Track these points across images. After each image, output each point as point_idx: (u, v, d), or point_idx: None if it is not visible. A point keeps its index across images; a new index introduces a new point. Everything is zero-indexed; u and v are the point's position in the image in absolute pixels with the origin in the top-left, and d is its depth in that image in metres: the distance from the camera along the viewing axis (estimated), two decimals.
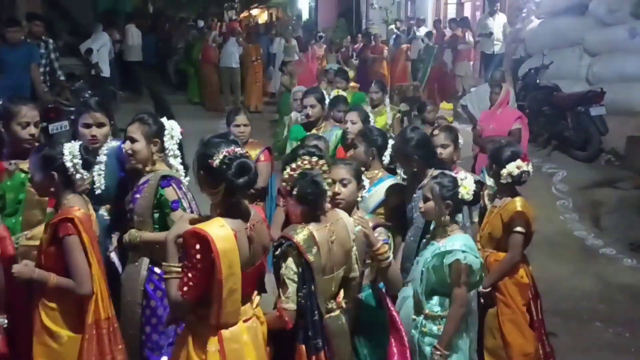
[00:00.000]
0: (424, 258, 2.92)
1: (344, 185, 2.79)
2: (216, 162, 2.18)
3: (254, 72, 12.90)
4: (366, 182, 3.05)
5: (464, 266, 2.78)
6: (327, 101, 4.89)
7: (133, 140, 2.92)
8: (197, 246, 2.11)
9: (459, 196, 2.89)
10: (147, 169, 2.95)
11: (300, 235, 2.38)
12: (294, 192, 2.42)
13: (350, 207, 2.78)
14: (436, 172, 3.18)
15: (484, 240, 3.43)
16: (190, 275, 2.12)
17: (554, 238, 6.06)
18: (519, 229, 3.35)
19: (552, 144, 8.28)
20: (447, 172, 3.10)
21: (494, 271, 3.35)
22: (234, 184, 2.18)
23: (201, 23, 18.36)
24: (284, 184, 2.47)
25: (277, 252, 2.41)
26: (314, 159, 2.47)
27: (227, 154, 2.19)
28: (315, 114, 4.72)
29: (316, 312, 2.38)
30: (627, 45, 8.79)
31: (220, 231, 2.15)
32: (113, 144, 3.16)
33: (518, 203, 3.36)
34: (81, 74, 9.46)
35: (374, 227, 2.72)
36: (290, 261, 2.36)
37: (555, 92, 8.46)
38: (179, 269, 2.15)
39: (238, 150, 2.23)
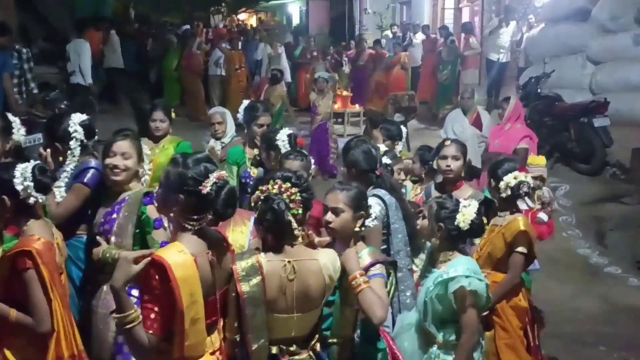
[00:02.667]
0: (425, 287, 2.89)
1: (336, 214, 2.70)
2: (207, 188, 2.16)
3: (238, 81, 12.74)
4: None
5: (469, 292, 2.76)
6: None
7: (126, 157, 2.94)
8: (157, 276, 2.05)
9: (455, 222, 2.87)
10: (125, 187, 2.97)
11: (243, 262, 2.32)
12: (254, 216, 2.40)
13: (345, 237, 2.71)
14: (375, 190, 3.22)
15: (482, 260, 3.45)
16: (155, 309, 2.05)
17: (556, 256, 6.06)
18: (521, 249, 3.38)
19: (554, 156, 8.34)
20: (477, 198, 3.11)
21: (492, 293, 3.36)
22: (222, 212, 2.19)
23: (186, 27, 18.35)
24: (252, 204, 2.42)
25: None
26: (285, 185, 2.38)
27: (217, 180, 2.18)
28: (164, 129, 4.44)
29: (247, 349, 2.31)
30: (632, 53, 8.90)
31: (179, 257, 2.09)
32: (73, 165, 3.23)
33: (521, 222, 3.40)
34: (57, 82, 9.45)
35: (372, 264, 2.63)
36: (231, 286, 2.32)
37: (557, 102, 8.54)
38: (137, 314, 2.06)
39: (224, 174, 2.24)
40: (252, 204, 2.42)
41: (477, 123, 6.69)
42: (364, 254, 2.67)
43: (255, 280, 2.31)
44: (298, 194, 2.38)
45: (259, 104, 4.47)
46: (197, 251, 2.16)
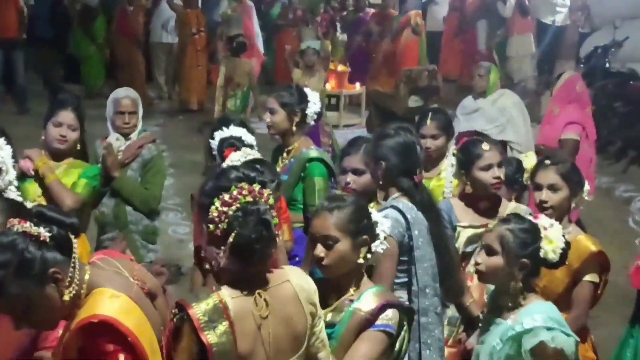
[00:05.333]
0: (488, 346, 2.86)
1: (329, 246, 2.70)
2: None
3: (195, 50, 12.43)
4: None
5: (553, 351, 2.71)
6: (313, 105, 4.73)
7: None
8: (106, 343, 2.11)
9: (541, 254, 2.86)
10: None
11: (202, 304, 2.32)
12: (230, 240, 2.33)
13: (345, 277, 2.73)
14: (396, 201, 3.22)
15: None
16: None
17: (630, 292, 6.06)
18: (591, 277, 3.42)
19: (629, 156, 8.38)
20: (524, 214, 3.10)
21: None
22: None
23: None
24: (209, 226, 2.35)
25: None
26: (256, 187, 2.38)
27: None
28: (71, 142, 4.24)
29: None
30: None
31: (115, 304, 2.15)
32: None
33: (589, 241, 3.44)
34: None
35: (382, 307, 2.63)
36: (184, 341, 2.29)
37: (631, 80, 8.59)
38: None
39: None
40: (214, 227, 2.35)
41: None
42: (366, 297, 2.66)
43: (222, 327, 2.29)
44: (272, 197, 2.41)
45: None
46: (125, 288, 2.22)
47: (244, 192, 2.36)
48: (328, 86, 11.07)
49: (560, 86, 6.11)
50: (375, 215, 2.89)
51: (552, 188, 3.57)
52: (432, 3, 13.70)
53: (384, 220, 2.91)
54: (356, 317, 2.65)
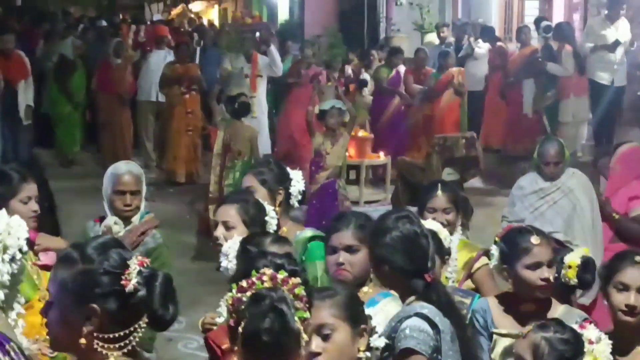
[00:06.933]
0: None
1: (326, 336, 2.76)
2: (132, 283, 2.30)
3: (185, 113, 12.48)
4: None
5: None
6: (297, 183, 4.75)
7: None
8: None
9: None
10: None
11: None
12: (240, 331, 2.40)
13: None
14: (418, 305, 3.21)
15: None
16: None
17: None
18: None
19: None
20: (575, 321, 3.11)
21: None
22: (161, 315, 2.33)
23: (101, 23, 18.50)
24: (218, 319, 2.46)
25: None
26: (282, 274, 2.44)
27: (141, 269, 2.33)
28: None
29: None
30: None
31: None
32: None
33: None
34: None
35: None
36: None
37: None
38: None
39: (145, 260, 2.38)
40: (229, 316, 2.44)
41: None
42: None
43: None
44: (302, 287, 2.44)
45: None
46: None
47: (264, 277, 2.43)
48: (347, 153, 10.82)
49: (622, 158, 6.14)
50: (412, 323, 2.98)
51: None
52: (470, 58, 13.82)
53: (420, 332, 2.98)
54: None
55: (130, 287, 2.26)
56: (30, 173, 4.31)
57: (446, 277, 4.40)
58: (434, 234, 4.06)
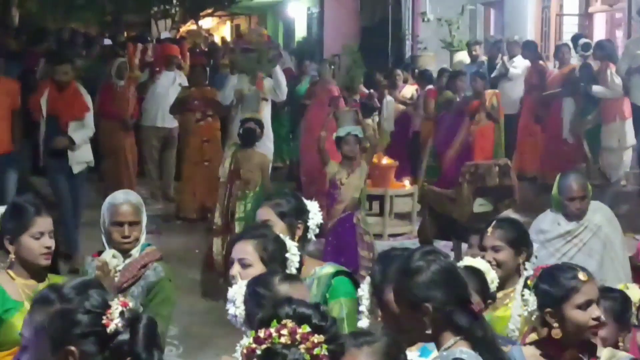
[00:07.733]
0: None
1: None
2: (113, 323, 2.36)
3: (200, 141, 12.22)
4: None
5: None
6: (315, 216, 4.77)
7: None
8: None
9: None
10: None
11: None
12: None
13: None
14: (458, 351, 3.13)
15: None
16: None
17: None
18: None
19: None
20: None
21: None
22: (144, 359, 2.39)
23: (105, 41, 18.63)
24: None
25: None
26: (305, 329, 2.47)
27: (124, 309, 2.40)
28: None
29: None
30: None
31: None
32: None
33: None
34: None
35: None
36: None
37: None
38: None
39: (128, 301, 2.46)
40: None
41: None
42: None
43: None
44: (324, 346, 2.45)
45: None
46: None
47: (284, 331, 2.46)
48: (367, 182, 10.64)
49: None
50: None
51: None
52: (504, 79, 13.81)
53: None
54: None
55: (112, 326, 2.30)
56: (46, 206, 4.45)
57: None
58: (477, 271, 4.17)
